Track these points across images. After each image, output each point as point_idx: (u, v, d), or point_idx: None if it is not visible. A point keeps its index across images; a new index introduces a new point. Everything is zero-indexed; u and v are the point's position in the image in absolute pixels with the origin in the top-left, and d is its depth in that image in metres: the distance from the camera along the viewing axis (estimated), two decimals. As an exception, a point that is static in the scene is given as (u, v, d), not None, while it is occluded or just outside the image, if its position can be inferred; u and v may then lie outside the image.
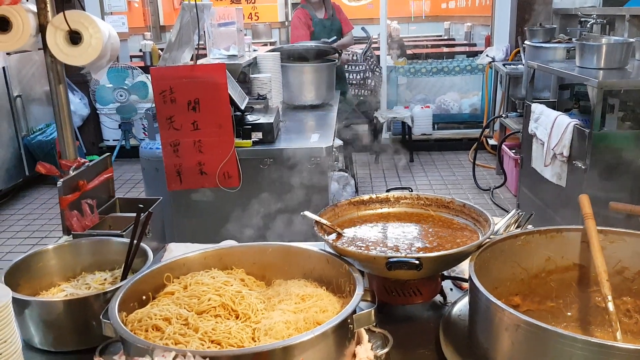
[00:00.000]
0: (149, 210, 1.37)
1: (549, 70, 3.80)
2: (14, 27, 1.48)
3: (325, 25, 4.94)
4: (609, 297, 1.08)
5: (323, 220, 1.33)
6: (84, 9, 1.65)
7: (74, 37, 1.53)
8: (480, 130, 5.89)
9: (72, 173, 1.51)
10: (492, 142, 6.31)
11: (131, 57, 7.71)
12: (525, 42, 5.20)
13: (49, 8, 1.54)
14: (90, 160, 1.67)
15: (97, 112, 6.57)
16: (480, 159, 5.93)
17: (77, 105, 6.34)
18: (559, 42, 4.91)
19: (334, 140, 3.01)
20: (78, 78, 5.92)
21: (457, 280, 1.39)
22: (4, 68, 5.28)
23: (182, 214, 2.83)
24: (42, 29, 1.56)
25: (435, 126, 6.72)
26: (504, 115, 5.28)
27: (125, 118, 6.20)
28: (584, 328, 1.24)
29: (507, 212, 1.65)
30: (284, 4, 11.56)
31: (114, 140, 6.59)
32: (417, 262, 1.10)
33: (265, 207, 2.35)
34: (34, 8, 1.57)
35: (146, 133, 5.62)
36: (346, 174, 4.43)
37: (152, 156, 3.40)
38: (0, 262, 4.13)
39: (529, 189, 3.96)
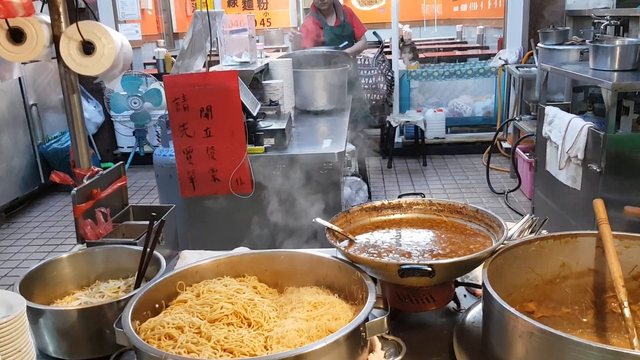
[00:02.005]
0: (162, 218, 1.38)
1: (562, 72, 3.76)
2: (28, 39, 1.50)
3: (335, 33, 4.93)
4: (625, 303, 1.06)
5: (335, 227, 1.33)
6: (97, 19, 1.67)
7: (87, 47, 1.55)
8: (494, 133, 5.86)
9: (86, 182, 1.53)
10: (506, 145, 6.26)
11: (145, 64, 7.78)
12: (538, 44, 5.17)
13: (62, 19, 1.57)
14: (105, 168, 1.68)
15: (112, 119, 6.64)
16: (494, 163, 5.89)
17: (92, 112, 6.41)
18: (572, 44, 4.87)
19: (346, 145, 3.00)
20: (92, 86, 5.99)
21: (470, 286, 1.38)
22: (19, 77, 5.36)
23: (196, 221, 2.84)
24: (55, 39, 1.58)
25: (448, 130, 6.69)
26: (517, 118, 5.24)
27: (139, 125, 6.25)
28: (600, 334, 1.23)
29: (522, 216, 1.64)
30: (296, 9, 11.62)
31: (128, 147, 6.64)
32: (429, 269, 1.09)
33: (278, 213, 2.35)
34: (47, 19, 1.59)
35: (160, 140, 5.66)
36: (359, 179, 4.43)
37: (166, 163, 3.43)
38: (17, 270, 4.18)
39: (543, 193, 3.93)
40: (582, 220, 3.16)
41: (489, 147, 5.72)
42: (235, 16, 3.83)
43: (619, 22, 4.60)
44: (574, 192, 3.36)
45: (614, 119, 3.01)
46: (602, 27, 4.75)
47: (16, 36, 1.52)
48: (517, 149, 5.06)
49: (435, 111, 6.52)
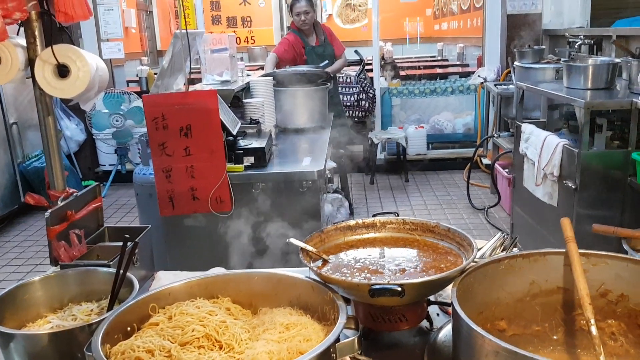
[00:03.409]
0: (136, 239, 1.38)
1: (537, 91, 3.84)
2: (3, 62, 1.50)
3: (317, 53, 4.99)
4: (592, 321, 1.08)
5: (308, 247, 1.34)
6: (72, 41, 1.68)
7: (62, 71, 1.56)
8: (474, 149, 5.93)
9: (60, 204, 1.53)
10: (486, 161, 6.34)
11: (128, 82, 7.77)
12: (515, 62, 5.26)
13: (38, 42, 1.57)
14: (85, 186, 1.68)
15: (93, 137, 6.61)
16: (474, 178, 5.95)
17: (74, 130, 6.38)
18: (548, 62, 4.97)
19: (326, 163, 3.02)
20: (75, 104, 5.96)
21: (443, 305, 1.39)
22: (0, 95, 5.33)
23: (175, 240, 2.83)
24: (30, 62, 1.58)
25: (430, 146, 6.77)
26: (496, 135, 5.32)
27: (121, 143, 6.24)
28: (570, 352, 1.25)
29: (502, 231, 1.66)
30: (280, 27, 11.71)
31: (110, 165, 6.61)
32: (399, 289, 1.10)
33: (257, 232, 2.36)
34: (23, 42, 1.60)
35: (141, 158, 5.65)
36: (340, 196, 4.44)
37: (146, 182, 3.41)
38: (-6, 290, 4.11)
39: (522, 209, 3.98)
40: (560, 236, 3.19)
41: (469, 164, 5.79)
42: (217, 35, 3.85)
43: (592, 42, 4.71)
44: (551, 208, 3.41)
45: (588, 136, 3.07)
46: (576, 46, 4.86)
47: (-10, 60, 1.53)
48: (497, 165, 5.12)
49: (416, 128, 6.59)
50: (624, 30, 4.38)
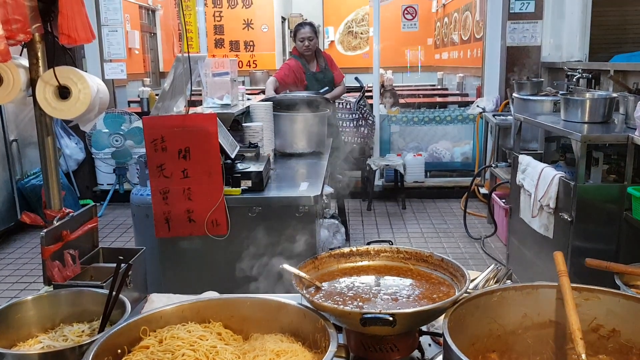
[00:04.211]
0: (130, 261, 1.38)
1: (535, 123, 3.87)
2: (5, 82, 1.52)
3: (317, 79, 5.05)
4: (583, 356, 1.08)
5: (302, 274, 1.34)
6: (75, 63, 1.71)
7: (63, 92, 1.58)
8: (472, 178, 5.95)
9: (56, 223, 1.53)
10: (483, 190, 6.36)
11: (130, 102, 7.83)
12: (514, 94, 5.32)
13: (40, 64, 1.59)
14: (82, 205, 1.68)
15: (93, 156, 6.63)
16: (472, 208, 5.96)
17: (73, 149, 6.41)
18: (546, 94, 5.02)
19: (323, 188, 3.03)
20: (75, 124, 6.00)
21: (435, 335, 1.39)
22: (0, 112, 5.36)
23: (170, 262, 2.82)
24: (32, 82, 1.60)
25: (428, 174, 6.80)
26: (493, 165, 5.34)
27: (120, 163, 6.26)
28: (561, 386, 1.24)
29: (496, 262, 1.67)
30: (282, 52, 11.85)
31: (108, 184, 6.62)
32: (391, 318, 1.10)
33: (252, 256, 2.35)
34: (25, 63, 1.62)
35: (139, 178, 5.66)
36: (336, 222, 4.45)
37: (143, 202, 3.42)
38: (-14, 308, 4.08)
39: (518, 239, 3.98)
40: (555, 269, 3.20)
41: (466, 193, 5.80)
42: (218, 59, 3.90)
43: (590, 75, 4.76)
44: (547, 240, 3.41)
45: (584, 169, 3.09)
46: (574, 79, 4.92)
47: (-7, 79, 1.55)
48: (494, 195, 5.14)
49: (414, 155, 6.63)
50: (621, 65, 4.44)
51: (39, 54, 1.60)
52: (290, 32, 5.22)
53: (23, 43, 1.60)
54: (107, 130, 6.04)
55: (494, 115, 5.93)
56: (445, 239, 5.31)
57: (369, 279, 1.41)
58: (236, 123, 3.60)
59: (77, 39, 1.56)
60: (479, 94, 7.14)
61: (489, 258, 4.75)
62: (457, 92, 9.46)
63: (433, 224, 5.75)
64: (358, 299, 1.28)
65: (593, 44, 5.68)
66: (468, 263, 4.61)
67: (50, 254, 1.47)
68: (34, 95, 1.60)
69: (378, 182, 6.62)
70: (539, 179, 3.42)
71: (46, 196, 1.69)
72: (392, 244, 1.52)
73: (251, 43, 11.54)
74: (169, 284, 2.79)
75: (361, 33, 12.81)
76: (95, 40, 6.35)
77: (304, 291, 1.28)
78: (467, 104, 7.24)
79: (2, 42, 1.39)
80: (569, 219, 3.13)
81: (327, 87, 4.77)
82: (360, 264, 1.49)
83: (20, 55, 1.65)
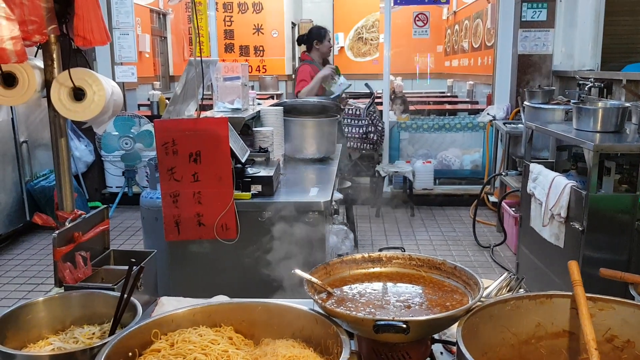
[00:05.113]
0: (142, 264, 1.38)
1: (547, 131, 3.85)
2: (20, 83, 1.53)
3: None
4: (598, 367, 1.07)
5: (314, 279, 1.33)
6: (88, 64, 1.71)
7: (78, 94, 1.58)
8: (481, 186, 5.93)
9: (68, 225, 1.53)
10: (493, 198, 6.33)
11: (139, 105, 7.87)
12: (525, 102, 5.29)
13: (55, 65, 1.60)
14: (93, 207, 1.69)
15: (102, 159, 6.66)
16: (481, 216, 5.93)
17: (83, 151, 6.44)
18: (557, 103, 5.00)
19: (332, 194, 3.03)
20: (87, 126, 6.03)
21: (447, 343, 1.38)
22: (11, 114, 5.39)
23: (179, 265, 2.82)
24: (47, 84, 1.61)
25: (437, 181, 6.76)
26: (503, 173, 5.32)
27: (129, 165, 6.28)
28: (574, 397, 1.23)
29: (507, 270, 1.65)
30: (291, 57, 11.87)
31: (117, 187, 6.64)
32: (404, 325, 1.09)
33: (262, 260, 2.35)
34: (40, 64, 1.63)
35: (149, 181, 5.68)
36: (345, 228, 4.44)
37: (152, 205, 3.42)
38: (-5, 308, 4.09)
39: (528, 248, 3.95)
40: (566, 278, 3.16)
41: (476, 201, 5.77)
42: (230, 64, 3.91)
43: (602, 85, 4.74)
44: (557, 249, 3.38)
45: (596, 179, 3.07)
46: (586, 88, 4.89)
47: (8, 80, 1.55)
48: (503, 203, 5.11)
49: (424, 162, 6.60)
50: (634, 75, 4.41)
51: (54, 56, 1.61)
52: (304, 36, 5.20)
53: (38, 44, 1.61)
54: (116, 133, 6.07)
55: (504, 123, 5.91)
56: (454, 247, 5.29)
57: (381, 286, 1.40)
58: (246, 127, 3.61)
59: (93, 41, 1.56)
60: (489, 101, 7.11)
61: (498, 267, 4.72)
62: (467, 99, 9.44)
63: (442, 231, 5.73)
64: (370, 306, 1.27)
65: (605, 53, 5.65)
66: (477, 271, 4.56)
67: (62, 255, 1.47)
68: (48, 96, 1.60)
69: (387, 189, 6.61)
70: (550, 187, 3.40)
71: (58, 198, 1.69)
72: (404, 251, 1.51)
73: (261, 48, 11.57)
74: (178, 287, 2.79)
75: (371, 39, 12.83)
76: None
77: (316, 297, 1.28)
78: (477, 112, 7.22)
79: (18, 43, 1.40)
80: (580, 229, 3.10)
81: (337, 93, 4.77)
82: (372, 270, 1.48)
83: (35, 56, 1.66)
